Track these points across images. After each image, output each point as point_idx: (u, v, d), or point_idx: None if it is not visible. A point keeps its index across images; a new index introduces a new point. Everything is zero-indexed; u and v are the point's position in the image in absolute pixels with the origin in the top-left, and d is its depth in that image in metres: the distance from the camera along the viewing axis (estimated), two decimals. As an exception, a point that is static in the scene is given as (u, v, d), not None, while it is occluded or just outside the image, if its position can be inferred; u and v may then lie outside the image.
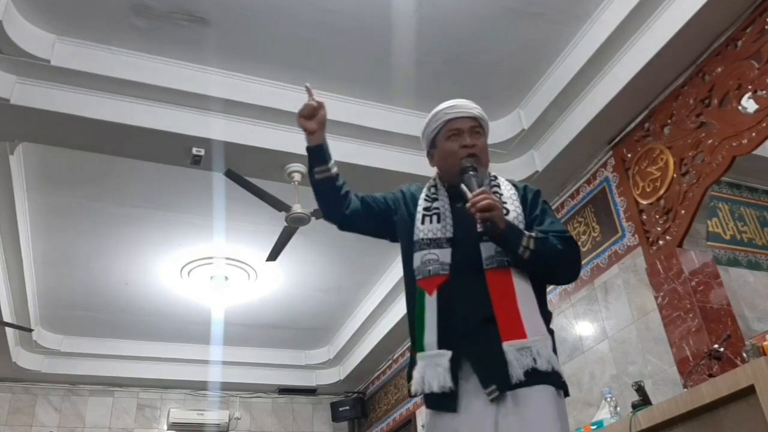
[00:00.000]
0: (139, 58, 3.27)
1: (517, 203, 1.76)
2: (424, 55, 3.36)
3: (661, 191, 3.21)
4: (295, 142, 3.58)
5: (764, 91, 2.70)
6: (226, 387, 6.66)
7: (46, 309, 5.51)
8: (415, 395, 1.68)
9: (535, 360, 1.57)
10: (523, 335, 1.59)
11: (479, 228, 1.64)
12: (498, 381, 1.56)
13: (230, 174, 3.53)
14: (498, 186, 1.81)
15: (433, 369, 1.62)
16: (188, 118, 3.38)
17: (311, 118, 1.77)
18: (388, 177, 3.62)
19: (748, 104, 2.80)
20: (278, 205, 3.74)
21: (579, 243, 3.77)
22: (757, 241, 3.61)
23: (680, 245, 3.07)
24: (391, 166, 3.66)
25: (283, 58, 3.36)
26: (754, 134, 2.74)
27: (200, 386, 6.61)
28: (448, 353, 1.62)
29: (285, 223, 3.86)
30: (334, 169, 1.80)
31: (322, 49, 3.32)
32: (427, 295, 1.68)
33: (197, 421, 6.51)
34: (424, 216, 1.79)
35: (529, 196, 1.81)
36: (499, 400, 1.55)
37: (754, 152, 2.91)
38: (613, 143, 3.60)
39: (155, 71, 3.29)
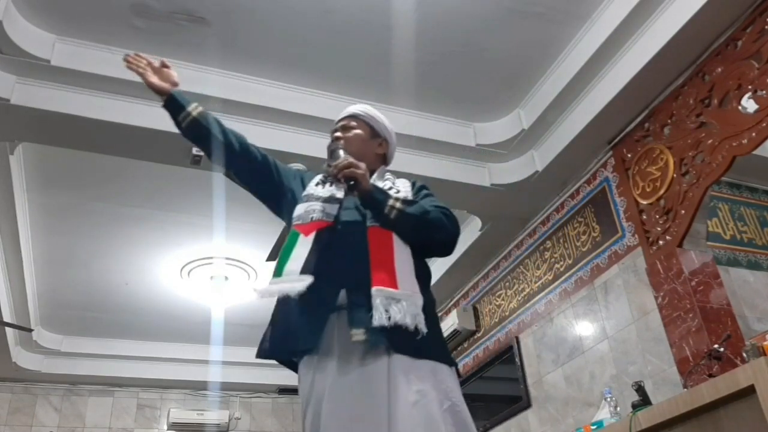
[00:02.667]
0: (139, 58, 3.27)
1: (408, 189, 1.84)
2: (424, 55, 3.36)
3: (661, 191, 3.21)
4: (296, 142, 3.60)
5: (764, 91, 2.70)
6: (226, 387, 6.65)
7: (46, 309, 5.50)
8: (267, 353, 1.67)
9: (405, 315, 1.54)
10: (394, 286, 1.58)
11: (344, 186, 1.70)
12: (367, 325, 1.53)
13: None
14: (394, 177, 1.91)
15: (288, 284, 1.61)
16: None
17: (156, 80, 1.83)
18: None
19: (748, 104, 2.80)
20: (278, 205, 3.73)
21: (578, 245, 3.80)
22: (757, 241, 3.61)
23: (680, 245, 3.07)
24: (391, 165, 3.65)
25: (283, 58, 3.36)
26: (754, 134, 2.74)
27: (200, 386, 6.61)
28: (310, 277, 1.60)
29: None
30: (198, 110, 1.86)
31: (322, 49, 3.32)
32: (301, 235, 1.70)
33: (197, 421, 6.50)
34: (318, 182, 1.86)
35: (417, 185, 1.91)
36: (390, 359, 1.52)
37: (754, 152, 2.91)
38: (613, 143, 3.60)
39: (155, 71, 3.28)
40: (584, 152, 3.68)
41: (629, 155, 3.49)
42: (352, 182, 1.68)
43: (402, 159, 3.74)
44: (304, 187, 1.90)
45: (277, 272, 1.67)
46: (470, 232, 4.54)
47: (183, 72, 3.31)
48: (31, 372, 5.94)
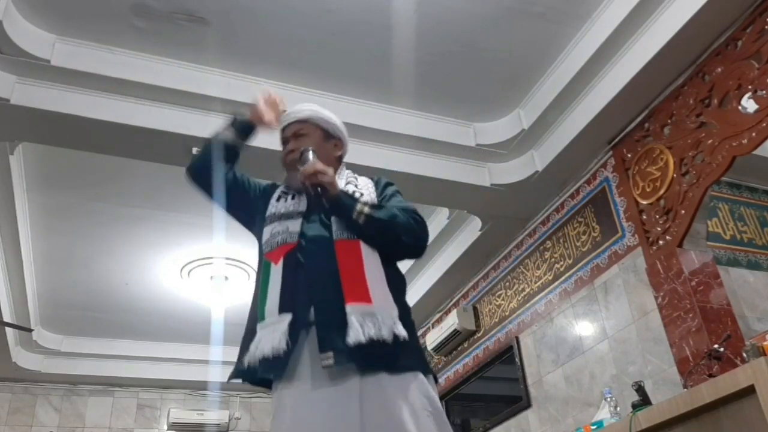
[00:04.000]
0: (139, 58, 3.27)
1: (372, 190, 1.81)
2: (424, 54, 3.35)
3: (661, 191, 3.21)
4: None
5: (764, 91, 2.70)
6: (226, 387, 6.64)
7: (46, 309, 5.50)
8: (239, 375, 1.65)
9: (380, 329, 1.52)
10: (368, 300, 1.56)
11: (312, 192, 1.68)
12: (336, 346, 1.51)
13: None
14: (355, 178, 1.87)
15: (270, 335, 1.58)
16: (188, 118, 3.38)
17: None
18: (388, 177, 3.61)
19: (748, 104, 2.80)
20: (278, 205, 3.73)
21: (578, 245, 3.80)
22: (757, 241, 3.61)
23: (680, 245, 3.07)
24: (391, 166, 3.66)
25: (283, 58, 3.36)
26: (754, 134, 2.74)
27: (200, 386, 6.60)
28: (289, 316, 1.58)
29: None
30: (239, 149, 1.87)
31: (322, 49, 3.32)
32: (273, 265, 1.69)
33: (197, 421, 6.51)
34: (279, 196, 1.83)
35: (382, 182, 1.89)
36: (362, 379, 1.49)
37: (754, 152, 2.91)
38: (613, 143, 3.60)
39: (155, 71, 3.28)
40: (584, 152, 3.68)
41: (629, 155, 3.49)
42: (319, 189, 1.66)
43: (402, 159, 3.77)
44: (267, 195, 1.89)
45: (260, 315, 1.66)
46: (470, 232, 4.54)
47: (183, 72, 3.35)
48: (31, 372, 5.94)
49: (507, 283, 4.55)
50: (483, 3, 3.10)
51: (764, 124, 2.68)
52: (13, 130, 3.34)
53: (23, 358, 5.83)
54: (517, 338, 4.29)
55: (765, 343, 2.27)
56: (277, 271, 1.67)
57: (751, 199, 3.82)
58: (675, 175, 3.14)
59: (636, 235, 3.37)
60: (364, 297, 1.56)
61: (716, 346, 2.69)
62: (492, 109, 3.78)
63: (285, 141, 1.91)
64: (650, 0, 2.95)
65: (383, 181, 1.90)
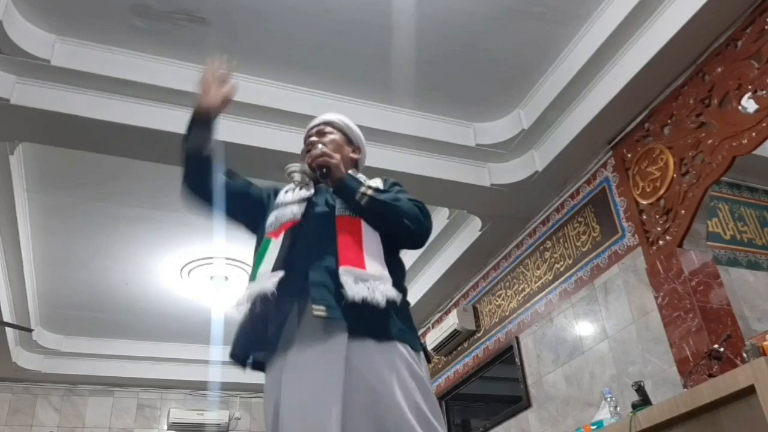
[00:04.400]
0: (139, 58, 3.27)
1: (380, 184, 1.86)
2: (424, 55, 3.35)
3: (661, 191, 3.21)
4: (295, 142, 3.59)
5: (764, 91, 2.70)
6: (226, 387, 6.65)
7: (46, 309, 5.50)
8: (233, 354, 1.67)
9: (373, 291, 1.53)
10: (362, 266, 1.59)
11: (318, 175, 1.75)
12: (330, 303, 1.53)
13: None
14: (364, 178, 1.91)
15: (258, 286, 1.62)
16: (188, 118, 3.37)
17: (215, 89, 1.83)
18: (388, 177, 3.62)
19: (748, 104, 2.79)
20: (278, 205, 3.74)
21: (578, 245, 3.80)
22: (757, 241, 3.61)
23: (680, 245, 3.07)
24: (391, 166, 3.66)
25: (283, 58, 3.36)
26: (754, 134, 2.74)
27: (200, 386, 6.61)
28: (281, 272, 1.62)
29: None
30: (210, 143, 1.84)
31: (323, 49, 3.32)
32: (273, 240, 1.72)
33: (197, 421, 6.51)
34: (288, 190, 1.89)
35: (389, 182, 1.94)
36: (349, 342, 1.50)
37: (754, 152, 2.91)
38: (613, 143, 3.60)
39: (155, 71, 3.29)
40: (584, 152, 3.68)
41: (629, 155, 3.49)
42: (325, 170, 1.73)
43: (402, 159, 3.77)
44: (272, 193, 1.96)
45: (252, 277, 1.70)
46: (470, 232, 4.54)
47: (183, 72, 3.35)
48: (31, 372, 5.95)
49: (507, 283, 4.55)
50: (483, 3, 3.10)
51: (764, 124, 2.68)
52: (13, 130, 3.34)
53: (23, 358, 5.83)
54: (517, 338, 4.29)
55: (765, 343, 2.27)
56: (276, 243, 1.71)
57: (751, 199, 3.82)
58: (675, 175, 3.14)
59: (636, 235, 3.37)
60: (359, 263, 1.59)
61: (716, 346, 2.68)
62: (492, 109, 3.78)
63: (309, 144, 1.97)
64: (650, 0, 2.95)
65: (391, 180, 1.96)
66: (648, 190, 3.32)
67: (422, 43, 3.28)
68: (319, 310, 1.52)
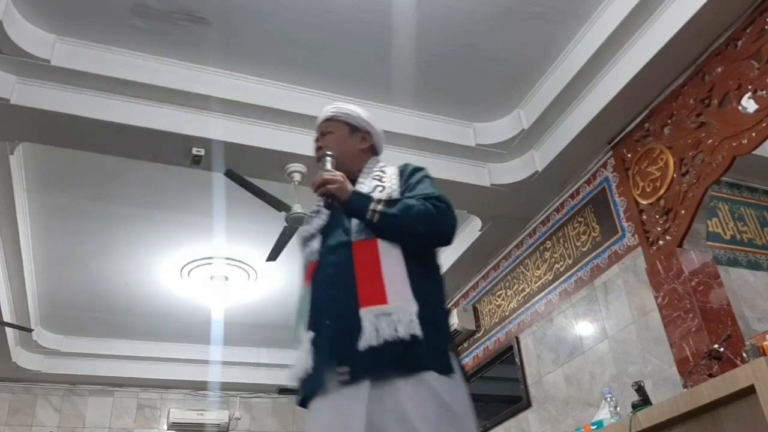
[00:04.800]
0: (139, 58, 3.27)
1: (395, 181, 1.79)
2: (424, 55, 3.35)
3: (661, 191, 3.21)
4: (295, 142, 3.60)
5: (764, 91, 2.70)
6: (226, 387, 6.65)
7: (46, 309, 5.50)
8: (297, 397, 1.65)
9: (395, 328, 1.49)
10: (383, 301, 1.53)
11: (323, 202, 1.71)
12: (352, 361, 1.50)
13: (230, 174, 3.53)
14: (383, 171, 1.85)
15: (300, 354, 1.62)
16: (188, 118, 3.38)
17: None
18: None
19: (748, 104, 2.79)
20: (278, 205, 3.74)
21: (578, 245, 3.80)
22: (757, 241, 3.61)
23: (680, 245, 3.07)
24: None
25: (283, 58, 3.36)
26: (754, 134, 2.74)
27: (200, 386, 6.60)
28: (311, 334, 1.61)
29: (285, 223, 3.86)
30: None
31: (322, 49, 3.32)
32: (306, 288, 1.72)
33: (197, 421, 6.50)
34: (313, 215, 1.86)
35: (408, 170, 1.84)
36: (374, 388, 1.46)
37: (754, 152, 2.91)
38: (613, 143, 3.60)
39: (155, 71, 3.28)
40: (584, 152, 3.68)
41: (629, 155, 3.49)
42: (330, 199, 1.68)
43: (402, 159, 3.75)
44: None
45: (296, 335, 1.70)
46: (470, 232, 4.54)
47: (183, 72, 3.35)
48: (31, 372, 5.94)
49: (507, 283, 4.55)
50: (483, 3, 3.10)
51: (764, 124, 2.68)
52: (13, 130, 3.34)
53: (23, 358, 5.83)
54: (517, 338, 4.29)
55: (765, 343, 2.27)
56: (308, 291, 1.70)
57: (751, 199, 3.82)
58: (675, 175, 3.14)
59: (636, 235, 3.37)
60: (380, 298, 1.54)
61: (716, 346, 2.68)
62: (492, 109, 3.78)
63: (316, 140, 1.95)
64: (650, 0, 2.95)
65: (410, 168, 1.86)
66: (648, 190, 3.31)
67: (422, 43, 3.28)
68: (343, 373, 1.50)
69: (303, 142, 3.60)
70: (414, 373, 1.48)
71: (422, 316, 1.54)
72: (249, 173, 3.60)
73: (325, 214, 1.79)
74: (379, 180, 1.80)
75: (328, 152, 1.82)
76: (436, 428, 1.42)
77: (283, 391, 6.91)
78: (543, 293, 4.11)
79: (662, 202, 3.21)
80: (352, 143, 1.92)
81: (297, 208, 3.73)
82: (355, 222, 1.68)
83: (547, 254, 4.14)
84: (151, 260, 4.99)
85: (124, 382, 6.42)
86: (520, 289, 4.38)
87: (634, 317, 3.33)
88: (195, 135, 3.39)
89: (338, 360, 1.52)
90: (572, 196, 3.95)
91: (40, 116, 3.18)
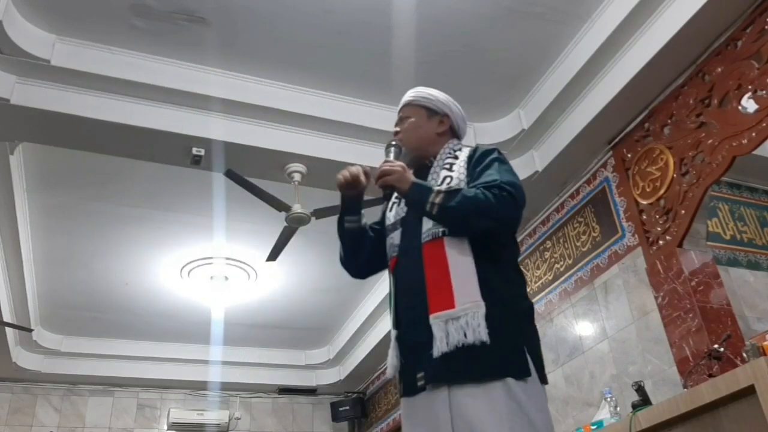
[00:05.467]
0: (139, 58, 3.27)
1: (463, 168, 1.75)
2: (424, 55, 3.35)
3: (661, 191, 3.21)
4: (295, 142, 3.60)
5: (764, 91, 2.70)
6: (226, 387, 6.65)
7: (46, 309, 5.50)
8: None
9: (464, 333, 1.49)
10: (451, 305, 1.53)
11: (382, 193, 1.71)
12: (427, 367, 1.54)
13: (230, 174, 3.53)
14: (455, 157, 1.80)
15: (390, 350, 1.68)
16: (188, 118, 3.38)
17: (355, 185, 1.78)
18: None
19: (748, 104, 2.79)
20: (278, 205, 3.74)
21: (578, 245, 3.80)
22: (757, 241, 3.61)
23: (680, 245, 3.07)
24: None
25: (283, 58, 3.36)
26: (754, 134, 2.74)
27: (200, 386, 6.61)
28: (395, 333, 1.67)
29: (285, 223, 3.86)
30: (363, 220, 1.84)
31: (322, 49, 3.32)
32: (390, 277, 1.76)
33: (197, 421, 6.51)
34: (391, 204, 1.85)
35: (477, 154, 1.78)
36: (451, 391, 1.50)
37: (754, 152, 2.91)
38: (613, 143, 3.60)
39: (155, 71, 3.29)
40: (584, 152, 3.68)
41: (629, 155, 3.49)
42: (389, 190, 1.68)
43: (402, 159, 3.77)
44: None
45: (393, 324, 1.73)
46: (470, 232, 4.53)
47: (183, 72, 3.35)
48: (31, 372, 5.95)
49: (507, 283, 4.54)
50: (483, 3, 3.10)
51: (764, 124, 2.68)
52: (13, 130, 3.34)
53: (23, 358, 5.83)
54: (517, 338, 4.28)
55: (765, 343, 2.27)
56: (391, 283, 1.75)
57: (751, 199, 3.82)
58: (675, 175, 3.14)
59: (636, 235, 3.37)
60: (448, 303, 1.54)
61: (716, 346, 2.68)
62: (492, 109, 3.78)
63: (396, 125, 1.94)
64: (650, 0, 2.95)
65: (478, 152, 1.79)
66: (648, 190, 3.31)
67: (422, 43, 3.28)
68: (420, 378, 1.55)
69: (303, 142, 3.61)
70: (486, 380, 1.47)
71: (491, 317, 1.52)
72: (249, 173, 3.60)
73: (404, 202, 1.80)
74: (449, 168, 1.77)
75: (393, 142, 1.82)
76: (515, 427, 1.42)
77: (283, 391, 6.92)
78: (543, 293, 4.11)
79: (662, 202, 3.21)
80: (429, 127, 1.88)
81: (297, 208, 3.73)
82: (425, 221, 1.68)
83: (547, 254, 4.14)
84: (151, 260, 4.99)
85: (124, 382, 6.43)
86: (520, 289, 4.38)
87: (634, 317, 3.33)
88: (195, 135, 3.39)
89: (416, 365, 1.57)
90: (572, 196, 3.95)
91: (40, 116, 3.18)
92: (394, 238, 1.77)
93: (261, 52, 3.32)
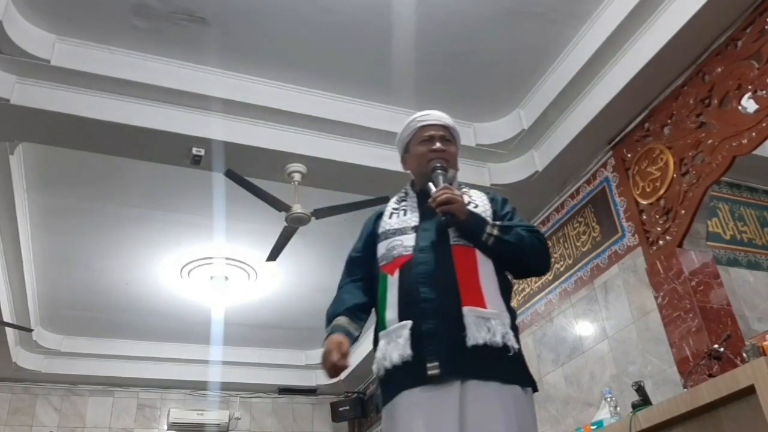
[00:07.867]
0: (139, 58, 3.27)
1: (486, 203, 1.85)
2: (424, 54, 3.36)
3: (661, 191, 3.21)
4: (295, 142, 3.60)
5: (764, 91, 2.70)
6: (226, 387, 6.65)
7: (46, 309, 5.50)
8: (378, 375, 1.69)
9: (494, 334, 1.57)
10: (482, 305, 1.61)
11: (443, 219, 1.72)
12: (444, 357, 1.55)
13: (230, 174, 3.53)
14: (468, 192, 1.88)
15: (394, 342, 1.64)
16: (188, 118, 3.38)
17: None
18: (389, 177, 3.62)
19: (748, 104, 2.79)
20: (278, 205, 3.74)
21: (578, 245, 3.80)
22: (757, 241, 3.61)
23: (680, 245, 3.07)
24: (391, 166, 3.65)
25: (283, 58, 3.36)
26: (754, 134, 2.74)
27: (200, 386, 6.61)
28: (409, 323, 1.64)
29: (285, 223, 3.86)
30: (357, 332, 1.85)
31: (322, 49, 3.32)
32: (389, 276, 1.73)
33: (197, 421, 6.51)
34: (392, 213, 1.87)
35: (499, 199, 1.91)
36: (464, 384, 1.53)
37: (754, 152, 2.91)
38: (613, 143, 3.60)
39: (155, 71, 3.29)
40: (584, 152, 3.68)
41: (629, 155, 3.49)
42: (448, 216, 1.70)
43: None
44: (372, 224, 1.92)
45: (381, 324, 1.71)
46: (470, 232, 4.53)
47: (183, 72, 3.35)
48: (31, 372, 5.95)
49: (507, 283, 4.54)
50: (483, 3, 3.10)
51: (764, 124, 2.68)
52: (13, 130, 3.34)
53: (23, 358, 5.83)
54: (517, 338, 4.28)
55: (765, 343, 2.27)
56: (393, 282, 1.72)
57: (751, 199, 3.82)
58: (675, 175, 3.14)
59: (636, 235, 3.37)
60: (479, 302, 1.61)
61: (716, 346, 2.68)
62: (492, 109, 3.78)
63: (430, 138, 1.90)
64: (650, 0, 2.95)
65: (500, 197, 1.92)
66: (648, 190, 3.31)
67: (422, 43, 3.28)
68: (433, 368, 1.55)
69: (303, 142, 3.61)
70: (505, 383, 1.56)
71: (513, 328, 1.65)
72: (249, 173, 3.60)
73: (415, 211, 1.83)
74: (469, 197, 1.84)
75: (439, 164, 1.82)
76: None
77: (283, 391, 6.92)
78: (543, 293, 4.11)
79: (662, 202, 3.21)
80: (456, 160, 1.96)
81: (297, 208, 3.73)
82: (453, 231, 1.73)
83: (547, 254, 4.13)
84: (151, 260, 4.99)
85: (124, 382, 6.43)
86: (520, 289, 4.38)
87: (634, 317, 3.33)
88: (195, 135, 3.39)
89: (428, 356, 1.57)
90: (572, 196, 3.95)
91: (40, 116, 3.18)
92: (404, 240, 1.77)
93: (261, 52, 3.32)
